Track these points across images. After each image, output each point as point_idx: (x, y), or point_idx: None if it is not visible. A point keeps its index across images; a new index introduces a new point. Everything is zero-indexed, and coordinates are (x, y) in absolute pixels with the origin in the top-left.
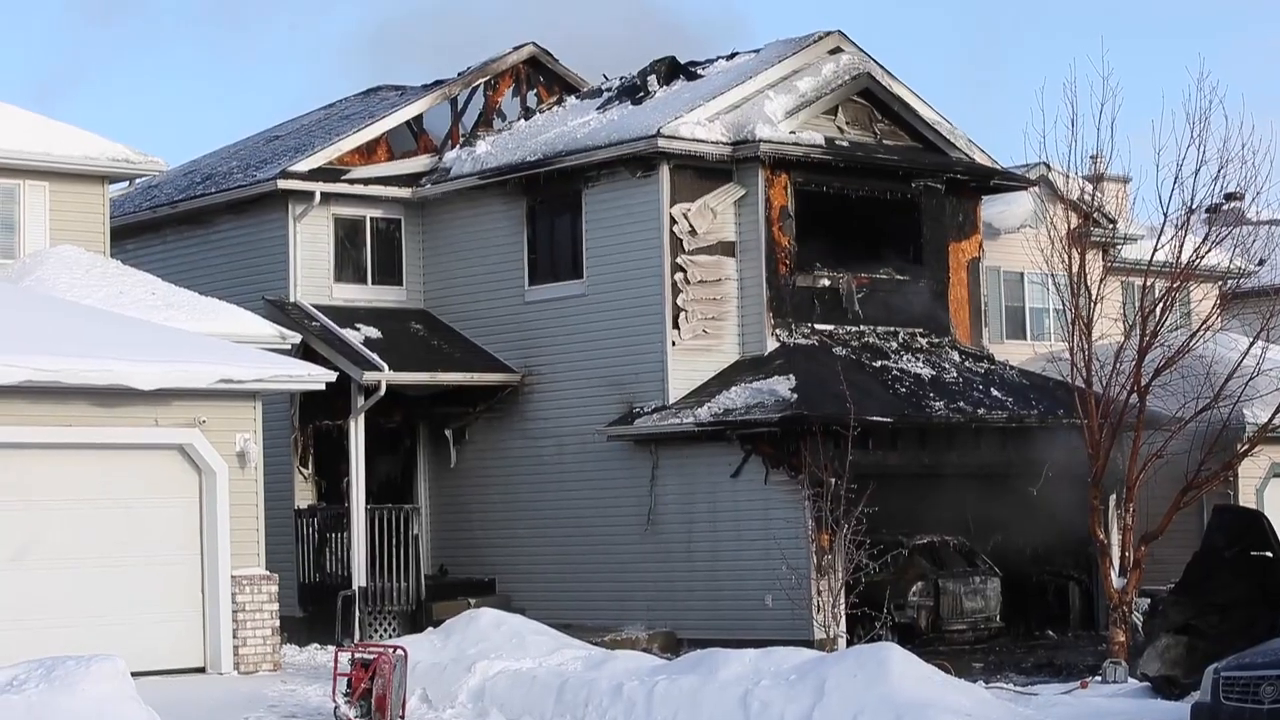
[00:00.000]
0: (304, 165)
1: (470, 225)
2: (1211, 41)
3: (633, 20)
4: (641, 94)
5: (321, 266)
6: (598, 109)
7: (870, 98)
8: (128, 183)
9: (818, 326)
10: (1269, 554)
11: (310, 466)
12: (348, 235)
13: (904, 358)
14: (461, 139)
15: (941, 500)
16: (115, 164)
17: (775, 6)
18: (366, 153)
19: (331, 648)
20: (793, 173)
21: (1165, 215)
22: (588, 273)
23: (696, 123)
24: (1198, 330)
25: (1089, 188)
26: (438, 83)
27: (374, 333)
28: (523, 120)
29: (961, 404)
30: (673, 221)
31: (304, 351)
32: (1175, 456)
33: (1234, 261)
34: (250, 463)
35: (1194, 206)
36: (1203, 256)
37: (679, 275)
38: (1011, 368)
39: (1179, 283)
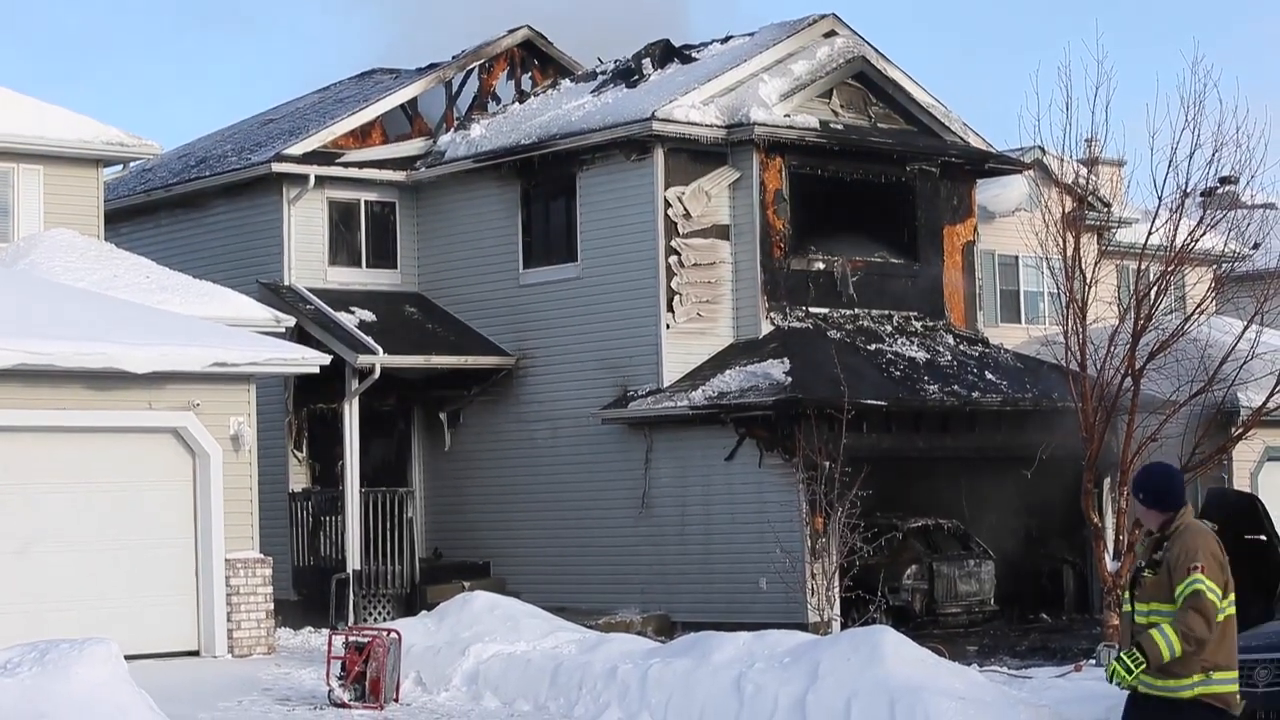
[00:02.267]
0: (298, 148)
1: (465, 208)
2: (1206, 25)
3: (627, 3)
4: (636, 77)
5: (316, 250)
6: (592, 92)
7: (865, 81)
8: (122, 166)
9: (812, 310)
10: (1263, 538)
11: (304, 450)
12: (342, 218)
13: (898, 341)
14: (456, 122)
15: (936, 484)
16: (109, 147)
17: None
18: (361, 136)
19: (325, 631)
20: (787, 156)
21: (1160, 199)
22: (582, 256)
23: (691, 106)
24: (1192, 314)
25: (1084, 171)
26: (432, 66)
27: (368, 316)
28: (517, 103)
29: (956, 387)
30: (667, 205)
31: (298, 335)
32: (1169, 440)
33: (1229, 245)
34: (244, 446)
35: (1189, 190)
36: (1197, 240)
37: (673, 258)
38: (1006, 351)
39: (1173, 266)
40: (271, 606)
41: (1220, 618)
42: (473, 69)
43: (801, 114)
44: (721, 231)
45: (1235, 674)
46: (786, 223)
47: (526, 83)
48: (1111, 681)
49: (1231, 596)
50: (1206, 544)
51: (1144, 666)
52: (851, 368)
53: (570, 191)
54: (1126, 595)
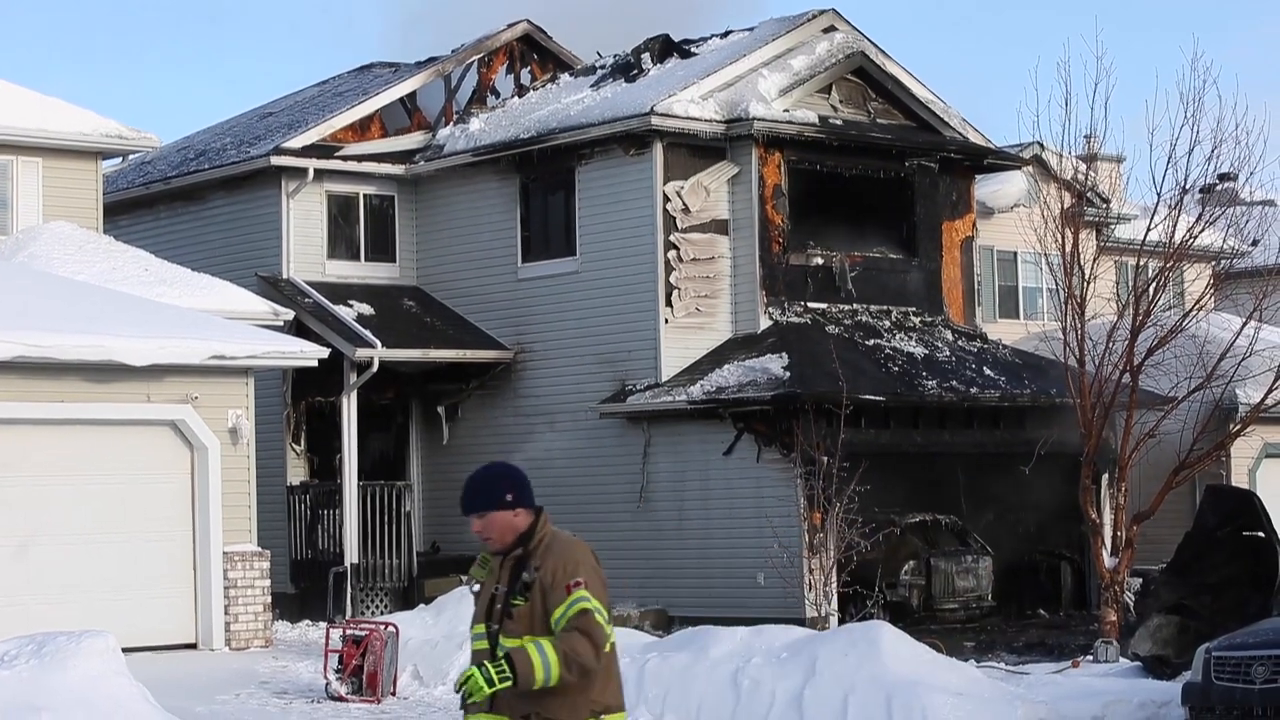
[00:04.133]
0: (297, 142)
1: (464, 202)
2: (1206, 22)
3: None
4: (635, 71)
5: (315, 243)
6: (591, 86)
7: (864, 76)
8: (121, 159)
9: (811, 305)
10: (1260, 534)
11: (303, 443)
12: (341, 212)
13: (897, 336)
14: (455, 116)
15: (934, 479)
16: (109, 140)
17: None
18: (360, 129)
19: (323, 624)
20: (786, 151)
21: (1159, 195)
22: (581, 250)
23: (690, 100)
24: (1191, 310)
25: (1083, 167)
26: (431, 60)
27: (367, 309)
28: (516, 98)
29: (954, 383)
30: (666, 199)
31: (297, 328)
32: (1168, 436)
33: (1227, 241)
34: (242, 439)
35: (1187, 186)
36: (1196, 236)
37: (672, 253)
38: (1004, 347)
39: (1172, 262)
40: (269, 599)
41: (606, 647)
42: (472, 63)
43: (800, 109)
44: (720, 226)
45: (625, 717)
46: (785, 218)
47: (526, 77)
48: (461, 696)
49: (612, 625)
50: (585, 557)
51: (510, 684)
52: (850, 363)
53: (569, 186)
54: (480, 629)
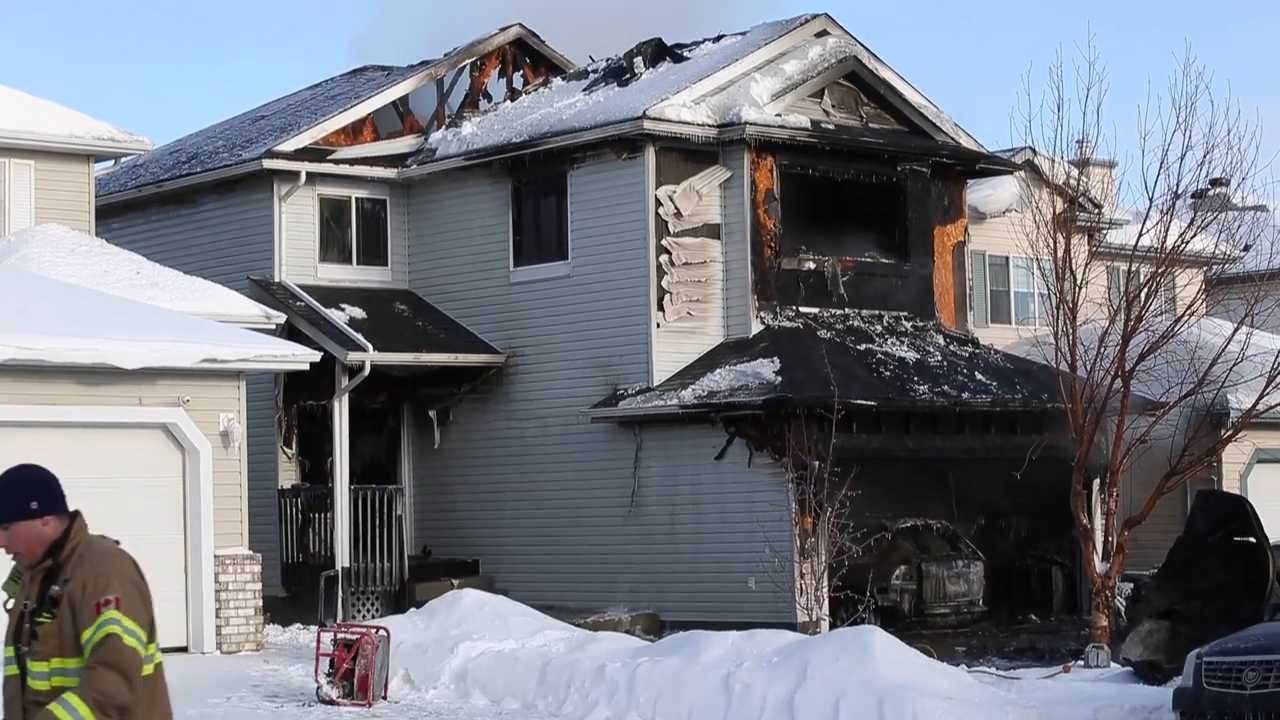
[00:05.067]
0: (289, 145)
1: (456, 206)
2: (1198, 27)
3: (619, 1)
4: (627, 76)
5: (306, 246)
6: (584, 90)
7: (856, 81)
8: (113, 161)
9: (802, 309)
10: (1252, 539)
11: (294, 446)
12: (333, 215)
13: (888, 341)
14: (447, 120)
15: (925, 484)
16: (101, 142)
17: None
18: (352, 133)
19: (314, 628)
20: (778, 155)
21: (1151, 200)
22: (573, 254)
23: (682, 105)
24: (1182, 315)
25: (1074, 172)
26: (424, 63)
27: (359, 313)
28: (509, 101)
29: (945, 388)
30: (658, 203)
31: (288, 331)
32: (1159, 441)
33: (1219, 247)
34: (234, 442)
35: (1179, 191)
36: (1188, 242)
37: (664, 257)
38: (996, 352)
39: (1164, 268)
40: (260, 603)
41: (148, 669)
42: (464, 66)
43: (793, 113)
44: (712, 230)
45: None
46: (777, 222)
47: (518, 80)
48: None
49: (157, 642)
50: (121, 567)
51: None
52: (841, 367)
53: (561, 190)
54: (10, 652)
